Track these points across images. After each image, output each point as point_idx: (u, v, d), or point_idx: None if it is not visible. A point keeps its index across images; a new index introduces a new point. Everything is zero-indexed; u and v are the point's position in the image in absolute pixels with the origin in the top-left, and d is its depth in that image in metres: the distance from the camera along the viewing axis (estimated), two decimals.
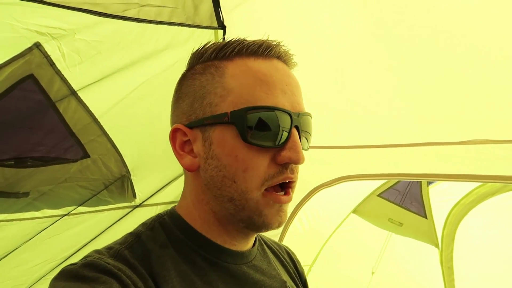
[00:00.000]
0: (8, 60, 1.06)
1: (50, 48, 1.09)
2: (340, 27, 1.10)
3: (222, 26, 1.13)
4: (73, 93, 1.23)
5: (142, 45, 1.16)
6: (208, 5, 1.02)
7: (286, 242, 2.19)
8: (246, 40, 0.64)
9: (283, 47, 0.65)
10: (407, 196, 2.66)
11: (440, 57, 1.01)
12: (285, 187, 0.63)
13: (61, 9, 0.93)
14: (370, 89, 1.24)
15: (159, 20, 1.01)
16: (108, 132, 1.40)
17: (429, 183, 2.56)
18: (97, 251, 0.59)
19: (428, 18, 0.94)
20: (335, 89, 1.28)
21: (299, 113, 0.62)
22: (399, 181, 2.64)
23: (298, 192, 1.92)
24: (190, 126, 0.63)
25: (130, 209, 1.75)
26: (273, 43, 0.64)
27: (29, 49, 1.07)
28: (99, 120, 1.34)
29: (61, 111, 1.25)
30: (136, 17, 0.98)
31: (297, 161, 0.60)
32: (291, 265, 0.86)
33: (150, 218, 0.70)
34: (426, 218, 2.66)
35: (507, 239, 2.26)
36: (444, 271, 2.66)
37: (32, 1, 0.87)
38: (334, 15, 1.08)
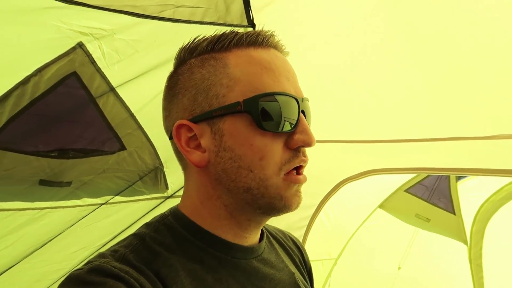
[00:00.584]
0: (54, 58, 1.15)
1: (91, 48, 1.17)
2: (365, 25, 1.12)
3: (251, 24, 1.18)
4: (112, 89, 1.31)
5: (175, 43, 1.21)
6: (239, 4, 1.06)
7: (311, 236, 2.22)
8: (239, 32, 0.65)
9: (276, 37, 0.66)
10: (435, 191, 2.63)
11: (466, 52, 1.02)
12: (298, 168, 0.64)
13: (104, 11, 1.00)
14: (397, 84, 1.25)
15: (192, 20, 1.07)
16: (143, 126, 1.48)
17: (458, 179, 2.52)
18: (101, 255, 0.59)
19: (453, 11, 0.94)
20: (362, 84, 1.30)
21: (302, 98, 0.64)
22: (426, 177, 2.61)
23: (324, 186, 1.95)
24: (195, 121, 0.62)
25: (162, 200, 1.83)
26: (268, 32, 0.65)
27: (73, 49, 1.15)
28: (135, 115, 1.42)
29: (100, 106, 1.33)
30: (172, 17, 1.04)
31: (310, 143, 0.61)
32: (297, 253, 0.87)
33: (153, 218, 0.69)
34: (455, 214, 2.63)
35: None
36: (473, 268, 2.61)
37: (78, 5, 0.94)
38: (357, 12, 1.10)
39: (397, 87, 1.27)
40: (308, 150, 0.65)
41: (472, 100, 1.10)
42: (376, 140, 1.44)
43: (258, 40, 0.64)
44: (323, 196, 1.98)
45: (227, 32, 0.65)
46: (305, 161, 0.64)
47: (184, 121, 0.62)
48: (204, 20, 1.09)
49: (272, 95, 0.60)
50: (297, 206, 0.64)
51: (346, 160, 1.70)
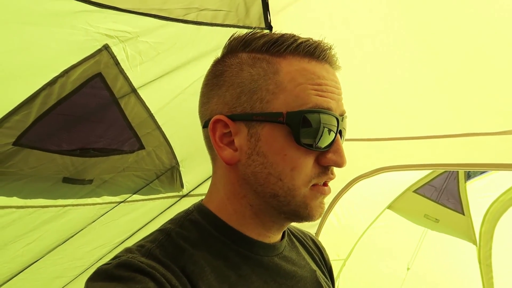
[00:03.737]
0: (81, 60, 1.20)
1: (116, 50, 1.22)
2: (379, 25, 1.17)
3: (269, 26, 1.23)
4: (134, 90, 1.36)
5: (196, 45, 1.27)
6: (258, 7, 1.12)
7: (322, 236, 2.25)
8: (299, 37, 0.64)
9: (333, 51, 0.65)
10: (444, 192, 2.66)
11: (477, 48, 1.05)
12: (324, 184, 0.64)
13: (131, 14, 1.06)
14: (409, 82, 1.29)
15: (214, 22, 1.12)
16: (161, 127, 1.53)
17: (467, 179, 2.55)
18: (128, 250, 0.59)
19: (464, 8, 0.98)
20: (374, 83, 1.35)
21: (343, 117, 0.64)
22: (435, 178, 2.64)
23: (336, 183, 1.98)
24: (234, 118, 0.62)
25: (178, 199, 1.88)
26: (326, 46, 0.64)
27: (99, 51, 1.21)
28: (154, 115, 1.47)
29: (122, 106, 1.39)
30: (195, 20, 1.09)
31: (341, 164, 0.62)
32: (317, 253, 0.88)
33: (178, 214, 0.70)
34: (464, 214, 2.65)
35: None
36: (483, 268, 2.63)
37: (109, 8, 0.99)
38: (373, 14, 1.15)
39: (409, 85, 1.30)
40: None
41: (483, 96, 1.13)
42: (388, 138, 1.47)
43: (316, 53, 0.63)
44: (336, 194, 2.02)
45: (286, 35, 0.63)
46: (332, 179, 0.65)
47: (223, 117, 0.62)
48: (225, 23, 1.14)
49: (316, 113, 0.59)
50: (320, 216, 0.65)
51: (358, 158, 1.72)
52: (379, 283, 3.05)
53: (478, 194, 2.53)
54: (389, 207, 2.84)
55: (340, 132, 0.63)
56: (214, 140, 0.64)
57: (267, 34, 0.65)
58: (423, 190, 2.72)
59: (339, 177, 2.09)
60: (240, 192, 0.65)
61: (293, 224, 0.80)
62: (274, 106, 0.60)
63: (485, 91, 1.14)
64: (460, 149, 1.39)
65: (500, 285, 2.55)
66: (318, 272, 0.78)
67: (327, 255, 0.91)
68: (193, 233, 0.64)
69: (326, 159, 0.61)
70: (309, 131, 0.59)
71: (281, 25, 1.24)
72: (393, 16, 1.10)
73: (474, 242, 2.63)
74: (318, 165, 0.62)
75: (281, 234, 0.74)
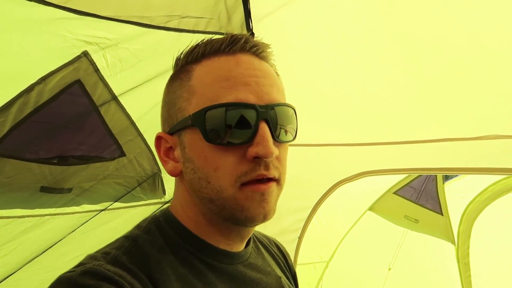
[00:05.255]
0: (59, 67, 1.17)
1: (96, 57, 1.19)
2: (362, 33, 1.19)
3: (251, 33, 1.23)
4: (114, 97, 1.34)
5: (177, 52, 1.26)
6: (240, 15, 1.11)
7: (305, 239, 2.26)
8: (213, 39, 0.63)
9: (250, 39, 0.63)
10: (423, 193, 2.72)
11: (454, 55, 1.08)
12: (264, 183, 0.59)
13: (111, 22, 1.04)
14: (389, 89, 1.31)
15: (196, 29, 1.11)
16: (143, 134, 1.51)
17: (445, 180, 2.61)
18: (93, 257, 0.57)
19: (441, 16, 1.01)
20: (355, 88, 1.37)
21: (267, 105, 0.59)
22: (414, 179, 2.69)
23: (318, 188, 2.00)
24: (170, 133, 0.64)
25: (160, 205, 1.86)
26: (238, 37, 0.62)
27: (78, 57, 1.18)
28: (135, 122, 1.45)
29: (102, 113, 1.36)
30: (177, 27, 1.08)
31: (265, 155, 0.56)
32: (282, 259, 0.87)
33: (145, 220, 0.68)
34: (442, 215, 2.71)
35: None
36: (461, 267, 2.70)
37: (89, 15, 0.97)
38: (356, 22, 1.16)
39: (389, 91, 1.32)
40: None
41: (459, 103, 1.16)
42: (370, 143, 1.49)
43: (221, 48, 0.61)
44: (318, 198, 2.04)
45: (201, 41, 0.63)
46: (267, 175, 0.59)
47: (161, 134, 0.66)
48: (207, 30, 1.13)
49: (220, 107, 0.57)
50: (264, 218, 0.60)
51: (340, 162, 1.74)
52: (362, 283, 3.09)
53: (456, 194, 2.60)
54: (371, 208, 2.89)
55: (268, 121, 0.58)
56: (159, 155, 0.66)
57: (191, 46, 0.65)
58: (403, 191, 2.77)
59: (321, 181, 2.09)
60: (191, 201, 0.65)
61: (258, 229, 0.78)
62: (187, 111, 0.61)
63: (461, 98, 1.18)
64: (439, 153, 1.42)
65: (477, 282, 2.62)
66: (283, 279, 0.78)
67: (291, 260, 0.90)
68: (159, 240, 0.63)
69: (249, 152, 0.57)
70: (216, 127, 0.57)
71: (263, 32, 1.24)
72: (375, 24, 1.12)
73: (453, 242, 2.70)
74: (246, 161, 0.58)
75: (246, 241, 0.72)
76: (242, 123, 0.57)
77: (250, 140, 0.57)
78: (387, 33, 1.09)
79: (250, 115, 0.57)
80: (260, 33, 1.29)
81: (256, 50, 0.64)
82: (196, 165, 0.60)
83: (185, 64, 0.64)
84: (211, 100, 0.58)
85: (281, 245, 0.92)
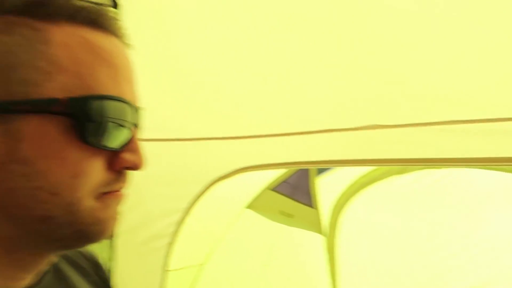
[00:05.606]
0: None
1: None
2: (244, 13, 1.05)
3: (114, 4, 0.96)
4: None
5: None
6: None
7: (179, 243, 2.08)
8: (81, 1, 0.48)
9: (119, 21, 0.51)
10: (298, 188, 2.77)
11: (331, 42, 1.03)
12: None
13: None
14: (264, 78, 1.22)
15: None
16: None
17: (318, 173, 2.71)
18: None
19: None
20: (229, 78, 1.24)
21: (137, 108, 0.52)
22: (291, 175, 2.73)
23: (192, 187, 1.85)
24: None
25: None
26: (112, 13, 0.50)
27: None
28: None
29: None
30: None
31: (139, 165, 0.51)
32: (94, 273, 0.75)
33: None
34: (314, 208, 2.81)
35: (388, 223, 2.52)
36: (329, 257, 2.84)
37: None
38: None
39: (262, 81, 1.24)
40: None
41: (339, 94, 1.12)
42: (247, 136, 1.39)
43: (99, 21, 0.48)
44: (193, 198, 1.88)
45: None
46: (124, 187, 0.53)
47: None
48: None
49: (109, 100, 0.46)
50: (111, 232, 0.52)
51: (217, 158, 1.63)
52: (240, 283, 3.04)
53: (327, 188, 2.72)
54: (249, 206, 2.84)
55: (136, 127, 0.52)
56: None
57: None
58: (279, 187, 2.79)
59: (194, 179, 1.92)
60: None
61: None
62: (46, 91, 0.44)
63: (338, 88, 1.13)
64: (316, 146, 1.38)
65: (345, 271, 2.78)
66: None
67: (106, 271, 0.79)
68: None
69: (121, 160, 0.49)
70: (99, 125, 0.46)
71: (135, 5, 1.02)
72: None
73: (324, 234, 2.82)
74: (111, 170, 0.49)
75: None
76: (121, 124, 0.49)
77: (125, 146, 0.50)
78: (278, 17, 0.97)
79: (131, 117, 0.50)
80: (130, 5, 1.05)
81: (125, 37, 0.52)
82: (37, 169, 0.44)
83: (24, 14, 0.44)
84: (91, 88, 0.45)
85: (91, 255, 0.77)
